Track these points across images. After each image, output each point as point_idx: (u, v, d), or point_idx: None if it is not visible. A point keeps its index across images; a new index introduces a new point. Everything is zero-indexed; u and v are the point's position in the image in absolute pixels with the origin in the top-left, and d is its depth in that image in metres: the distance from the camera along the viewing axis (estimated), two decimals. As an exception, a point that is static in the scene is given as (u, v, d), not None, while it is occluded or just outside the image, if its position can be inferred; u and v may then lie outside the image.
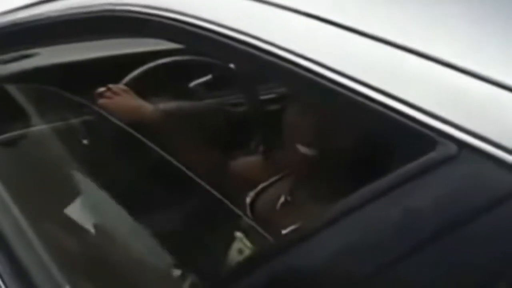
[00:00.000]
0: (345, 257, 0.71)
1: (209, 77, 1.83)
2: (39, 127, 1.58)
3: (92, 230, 1.31)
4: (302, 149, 1.11)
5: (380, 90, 0.71)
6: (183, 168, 1.20)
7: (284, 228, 1.02)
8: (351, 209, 0.72)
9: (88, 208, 1.34)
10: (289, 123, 1.15)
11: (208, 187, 1.13)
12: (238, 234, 1.11)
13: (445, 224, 0.65)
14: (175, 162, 1.22)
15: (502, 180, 0.63)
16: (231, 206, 1.10)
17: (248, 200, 1.25)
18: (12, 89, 1.61)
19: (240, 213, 1.13)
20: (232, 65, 1.61)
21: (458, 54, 0.71)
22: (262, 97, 1.76)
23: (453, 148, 0.65)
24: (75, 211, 1.33)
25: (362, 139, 1.02)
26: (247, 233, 1.10)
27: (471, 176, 0.65)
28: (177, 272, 1.16)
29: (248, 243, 1.08)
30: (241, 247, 1.09)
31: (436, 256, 0.65)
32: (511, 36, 0.73)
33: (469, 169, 0.65)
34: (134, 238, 1.28)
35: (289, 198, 1.21)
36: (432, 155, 0.67)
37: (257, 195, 1.26)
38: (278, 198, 1.22)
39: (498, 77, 0.66)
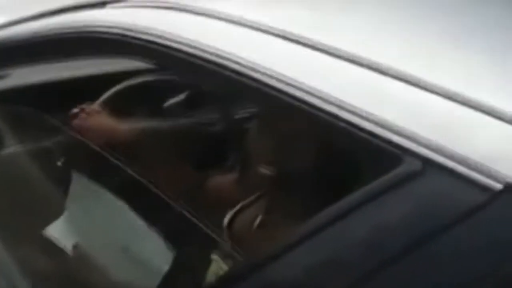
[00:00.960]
0: (316, 275, 0.72)
1: (183, 96, 1.83)
2: (13, 148, 1.57)
3: (68, 252, 1.30)
4: (265, 170, 1.12)
5: (346, 109, 0.73)
6: (158, 189, 1.19)
7: (261, 248, 1.03)
8: (320, 228, 0.73)
9: (63, 230, 1.33)
10: (252, 144, 1.16)
11: (184, 208, 1.13)
12: (215, 257, 1.10)
13: (413, 241, 0.66)
14: (150, 183, 1.21)
15: (468, 197, 0.64)
16: (209, 228, 1.10)
17: (225, 220, 1.25)
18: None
19: (216, 236, 1.13)
20: (206, 85, 1.61)
21: (427, 72, 0.72)
22: (237, 116, 1.76)
23: (418, 165, 0.67)
24: (50, 232, 1.32)
25: (329, 157, 1.02)
26: (224, 256, 1.10)
27: (436, 193, 0.66)
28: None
29: (224, 266, 1.08)
30: (217, 270, 1.09)
31: (404, 272, 0.66)
32: (484, 57, 0.75)
33: (434, 186, 0.66)
34: (111, 260, 1.27)
35: (265, 218, 1.21)
36: (398, 172, 0.68)
37: (235, 214, 1.26)
38: (255, 218, 1.22)
39: (465, 95, 0.68)
